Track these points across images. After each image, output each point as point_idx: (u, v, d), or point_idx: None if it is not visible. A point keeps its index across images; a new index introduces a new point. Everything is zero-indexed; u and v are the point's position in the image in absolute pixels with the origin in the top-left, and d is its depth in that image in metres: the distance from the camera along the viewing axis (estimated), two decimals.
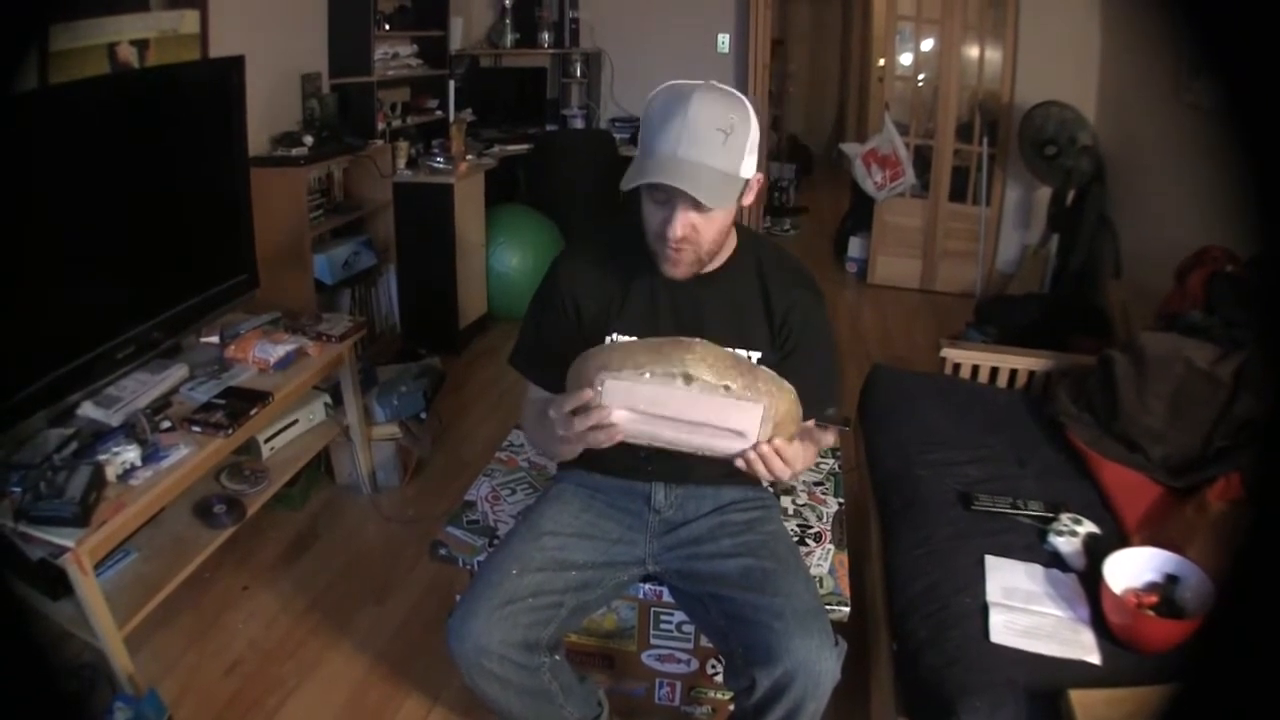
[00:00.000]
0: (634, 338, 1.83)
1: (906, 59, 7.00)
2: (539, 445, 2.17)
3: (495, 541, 2.34)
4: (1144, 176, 5.07)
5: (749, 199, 1.87)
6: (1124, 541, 2.30)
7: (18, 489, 2.37)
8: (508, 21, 6.78)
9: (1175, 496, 2.55)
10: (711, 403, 1.54)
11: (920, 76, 6.99)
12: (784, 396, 1.58)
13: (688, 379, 1.54)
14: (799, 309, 1.99)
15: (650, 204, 1.83)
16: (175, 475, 2.60)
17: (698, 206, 1.76)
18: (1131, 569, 2.10)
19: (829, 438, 2.10)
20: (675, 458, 2.02)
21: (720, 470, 2.07)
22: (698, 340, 1.64)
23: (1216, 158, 3.56)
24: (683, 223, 1.78)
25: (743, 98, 1.82)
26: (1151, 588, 2.08)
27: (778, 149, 9.34)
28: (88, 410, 2.78)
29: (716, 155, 1.73)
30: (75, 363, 2.70)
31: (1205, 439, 2.63)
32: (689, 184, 1.70)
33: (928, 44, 6.82)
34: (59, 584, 2.46)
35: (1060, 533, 2.32)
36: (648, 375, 1.55)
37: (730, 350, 1.62)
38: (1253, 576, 1.32)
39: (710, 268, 1.94)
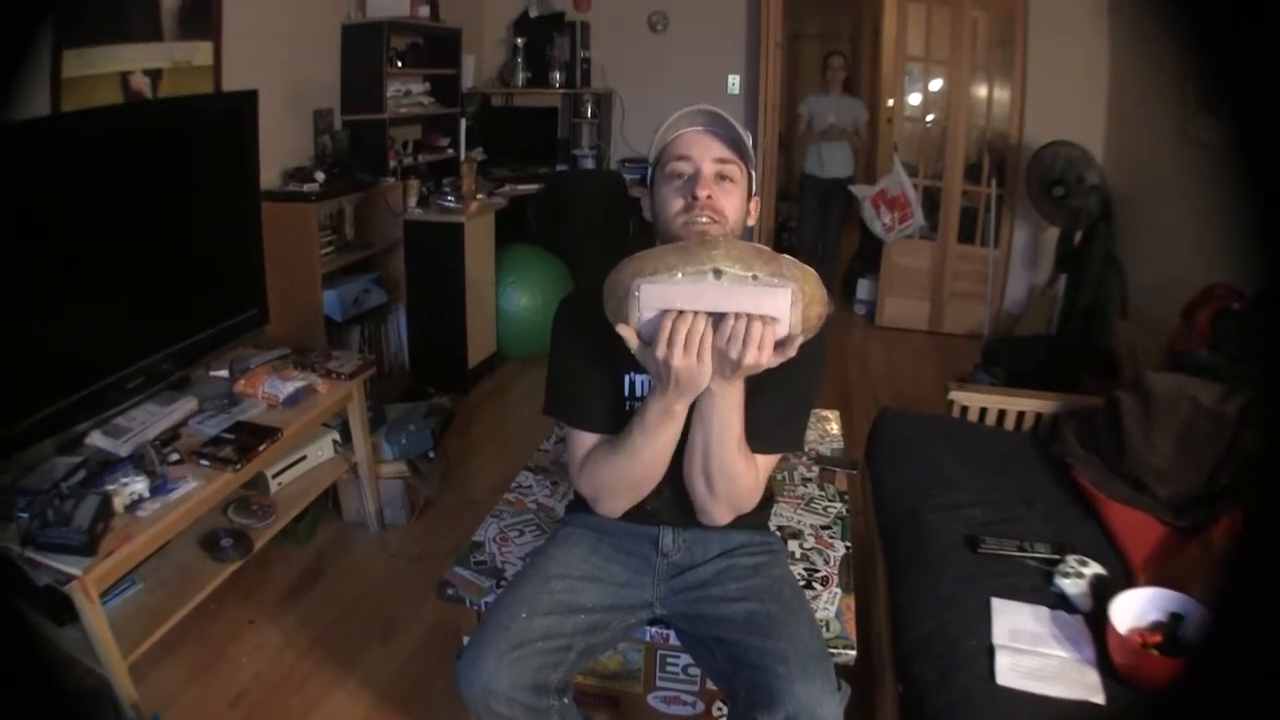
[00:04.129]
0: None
1: (915, 99, 7.07)
2: (618, 477, 1.98)
3: (503, 583, 2.33)
4: (1151, 214, 5.09)
5: (752, 214, 1.99)
6: (1130, 582, 2.30)
7: (24, 514, 2.39)
8: (519, 60, 6.85)
9: (1181, 535, 2.55)
10: (743, 291, 1.59)
11: (929, 117, 7.04)
12: (808, 278, 1.62)
13: (718, 273, 1.58)
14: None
15: (668, 186, 1.92)
16: (183, 508, 2.63)
17: (719, 171, 1.90)
18: (1136, 609, 2.10)
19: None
20: (682, 503, 2.03)
21: None
22: (720, 237, 1.74)
23: (1223, 194, 3.58)
24: (708, 183, 1.87)
25: None
26: (1156, 627, 2.08)
27: (787, 189, 9.35)
28: (96, 439, 2.80)
29: (733, 121, 1.91)
30: (85, 391, 2.73)
31: (1211, 477, 2.64)
32: (719, 111, 1.90)
33: (936, 84, 6.87)
34: (64, 610, 2.47)
35: (1066, 574, 2.32)
36: (680, 275, 1.60)
37: (751, 243, 1.66)
38: (1244, 608, 1.32)
39: None
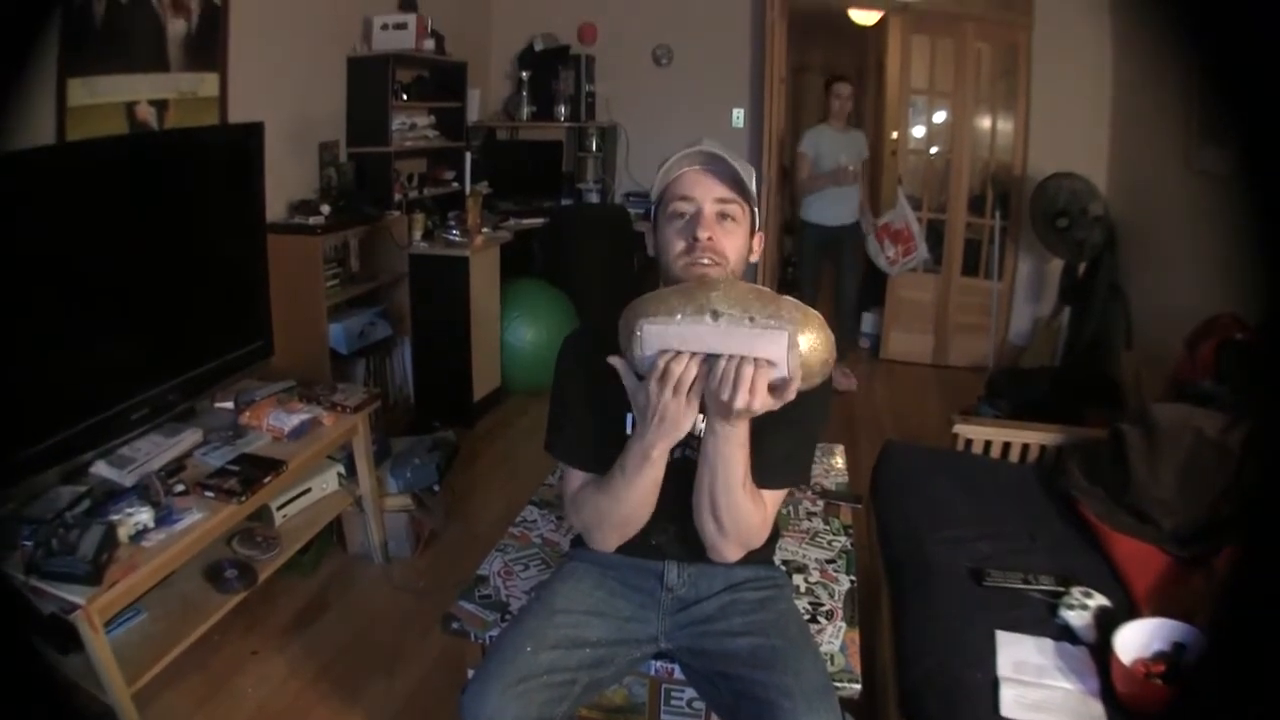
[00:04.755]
0: None
1: (919, 132, 7.07)
2: (602, 516, 2.02)
3: (508, 617, 2.33)
4: (1155, 245, 5.12)
5: (755, 250, 2.00)
6: (1134, 613, 2.30)
7: (29, 543, 2.41)
8: (524, 94, 6.88)
9: (1185, 566, 2.56)
10: (739, 334, 1.60)
11: (933, 149, 7.08)
12: (810, 322, 1.62)
13: (715, 315, 1.60)
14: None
15: (670, 227, 1.93)
16: (187, 539, 2.65)
17: (721, 211, 1.90)
18: (1140, 639, 2.11)
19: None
20: (687, 538, 2.03)
21: None
22: (720, 278, 1.75)
23: (1227, 223, 3.60)
24: (710, 224, 1.88)
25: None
26: (1159, 657, 2.09)
27: (792, 224, 9.26)
28: (101, 469, 2.83)
29: (734, 161, 1.91)
30: (90, 421, 2.75)
31: (1214, 508, 2.65)
32: (722, 153, 1.90)
33: (940, 116, 6.92)
34: (69, 639, 2.47)
35: (1071, 606, 2.32)
36: (679, 317, 1.62)
37: (753, 284, 1.67)
38: (1241, 635, 1.34)
39: None
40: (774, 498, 2.01)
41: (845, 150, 6.16)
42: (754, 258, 2.00)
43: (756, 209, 1.98)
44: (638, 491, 1.90)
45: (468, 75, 6.14)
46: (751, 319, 1.59)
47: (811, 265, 6.46)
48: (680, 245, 1.90)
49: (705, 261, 1.87)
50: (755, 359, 1.61)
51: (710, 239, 1.87)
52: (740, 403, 1.62)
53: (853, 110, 6.43)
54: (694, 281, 1.75)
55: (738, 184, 1.91)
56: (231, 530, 3.11)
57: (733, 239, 1.91)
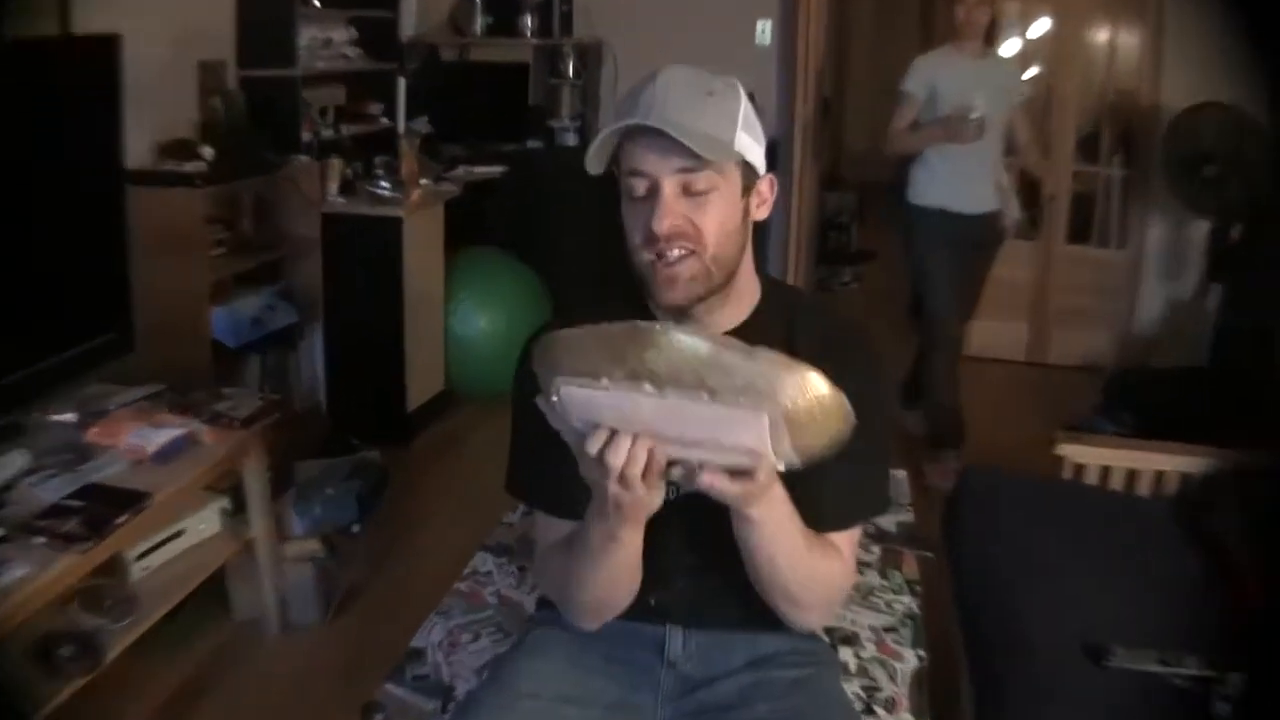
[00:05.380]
0: None
1: (1010, 49, 6.90)
2: (569, 596, 1.98)
3: (452, 704, 2.29)
4: None
5: (760, 208, 1.93)
6: None
7: None
8: (478, 1, 6.83)
9: None
10: (695, 414, 1.44)
11: (1029, 72, 6.96)
12: (803, 384, 1.43)
13: (656, 382, 1.43)
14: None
15: (631, 209, 1.86)
16: (7, 603, 2.58)
17: (686, 184, 1.79)
18: None
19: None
20: (698, 597, 1.98)
21: (756, 610, 2.00)
22: (658, 328, 1.51)
23: None
24: (670, 210, 1.78)
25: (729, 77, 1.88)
26: None
27: (835, 173, 9.16)
28: None
29: (701, 115, 1.77)
30: None
31: None
32: (666, 126, 1.72)
33: (1039, 29, 6.88)
34: None
35: (1228, 698, 2.27)
36: (605, 382, 1.45)
37: (711, 335, 1.52)
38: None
39: (725, 324, 1.91)
40: (849, 540, 1.98)
41: (983, 87, 4.86)
42: (760, 214, 1.94)
43: (748, 156, 1.86)
44: (609, 574, 1.84)
45: None
46: (711, 391, 1.41)
47: (943, 279, 5.27)
48: (638, 237, 1.84)
49: (673, 256, 1.80)
50: (723, 446, 1.49)
51: (673, 228, 1.79)
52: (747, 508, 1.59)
53: (993, 23, 5.18)
54: (620, 331, 1.54)
55: (707, 145, 1.78)
56: (71, 589, 3.04)
57: (709, 213, 1.82)
